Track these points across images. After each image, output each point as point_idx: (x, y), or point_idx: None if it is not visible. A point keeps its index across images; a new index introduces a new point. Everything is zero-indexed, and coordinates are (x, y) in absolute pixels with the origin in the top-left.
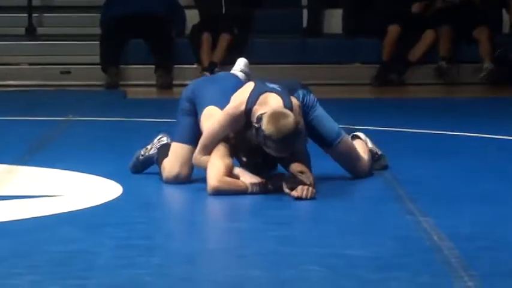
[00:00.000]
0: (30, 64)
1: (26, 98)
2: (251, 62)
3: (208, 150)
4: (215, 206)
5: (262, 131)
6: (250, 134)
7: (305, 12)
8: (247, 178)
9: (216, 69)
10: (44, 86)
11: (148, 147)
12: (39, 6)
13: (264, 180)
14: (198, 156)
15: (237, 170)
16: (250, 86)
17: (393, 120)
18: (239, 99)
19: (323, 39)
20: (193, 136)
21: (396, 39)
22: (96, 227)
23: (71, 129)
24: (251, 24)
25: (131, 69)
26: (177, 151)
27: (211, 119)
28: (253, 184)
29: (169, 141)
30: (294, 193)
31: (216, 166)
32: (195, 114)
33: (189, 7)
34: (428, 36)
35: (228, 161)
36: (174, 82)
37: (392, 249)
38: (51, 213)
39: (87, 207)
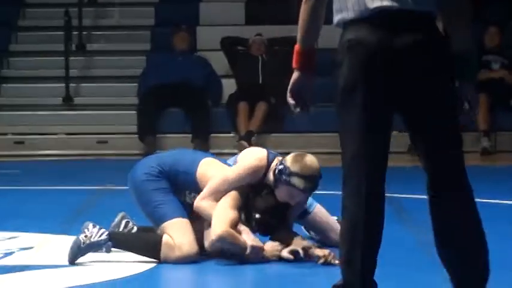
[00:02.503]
0: (67, 134)
1: (64, 167)
2: (288, 130)
3: (217, 196)
4: (261, 275)
5: (287, 168)
6: (266, 189)
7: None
8: (249, 239)
9: (253, 138)
10: (81, 155)
11: (88, 234)
12: (76, 77)
13: (263, 246)
14: (202, 202)
15: (242, 227)
16: (259, 148)
17: None
18: (258, 154)
19: None
20: (184, 211)
21: None
22: None
23: (109, 198)
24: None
25: (168, 138)
26: (186, 227)
27: (214, 166)
28: (253, 247)
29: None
30: (321, 260)
31: (224, 215)
32: (172, 192)
33: (225, 76)
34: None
35: (235, 213)
36: (211, 151)
37: None
38: (87, 283)
39: (126, 276)
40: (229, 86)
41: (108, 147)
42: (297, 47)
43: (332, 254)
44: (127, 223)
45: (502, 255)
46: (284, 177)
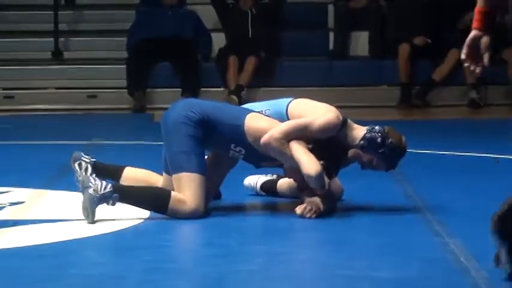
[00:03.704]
0: (56, 88)
1: (53, 122)
2: (278, 84)
3: (288, 138)
4: (242, 229)
5: (391, 143)
6: (336, 141)
7: (331, 34)
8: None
9: (243, 92)
10: (71, 110)
11: (95, 188)
12: (66, 31)
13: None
14: (279, 138)
15: None
16: (311, 101)
17: (420, 142)
18: (335, 111)
19: (349, 62)
20: (206, 168)
21: (408, 58)
22: (124, 250)
23: (98, 153)
24: (278, 46)
25: (158, 92)
26: (201, 185)
27: (263, 119)
28: (329, 184)
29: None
30: (297, 210)
31: (311, 156)
32: (202, 142)
33: (215, 30)
34: (452, 55)
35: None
36: None
37: (420, 271)
38: (79, 237)
39: (115, 231)
40: (219, 40)
41: (98, 102)
42: (478, 8)
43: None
44: (80, 165)
45: (496, 209)
46: (383, 149)
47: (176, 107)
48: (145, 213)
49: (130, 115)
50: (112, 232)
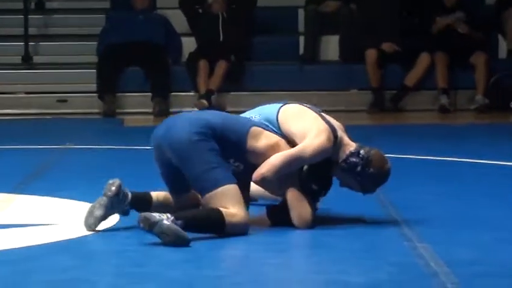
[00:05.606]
0: (26, 93)
1: (23, 127)
2: (248, 89)
3: (279, 174)
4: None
5: (370, 173)
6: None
7: (302, 39)
8: None
9: (213, 96)
10: (41, 114)
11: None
12: (36, 35)
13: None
14: (270, 176)
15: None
16: (306, 109)
17: (390, 146)
18: (321, 127)
19: (320, 66)
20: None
21: (375, 63)
22: (92, 255)
23: (68, 158)
24: (248, 51)
25: (128, 97)
26: (240, 195)
27: (264, 137)
28: None
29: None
30: None
31: (307, 202)
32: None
33: (185, 34)
34: (423, 60)
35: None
36: (171, 110)
37: (390, 275)
38: (47, 242)
39: (83, 236)
40: (189, 45)
41: (68, 106)
42: None
43: None
44: (125, 196)
45: (465, 213)
46: (360, 178)
47: (181, 127)
48: (115, 218)
49: (101, 120)
50: (78, 237)
